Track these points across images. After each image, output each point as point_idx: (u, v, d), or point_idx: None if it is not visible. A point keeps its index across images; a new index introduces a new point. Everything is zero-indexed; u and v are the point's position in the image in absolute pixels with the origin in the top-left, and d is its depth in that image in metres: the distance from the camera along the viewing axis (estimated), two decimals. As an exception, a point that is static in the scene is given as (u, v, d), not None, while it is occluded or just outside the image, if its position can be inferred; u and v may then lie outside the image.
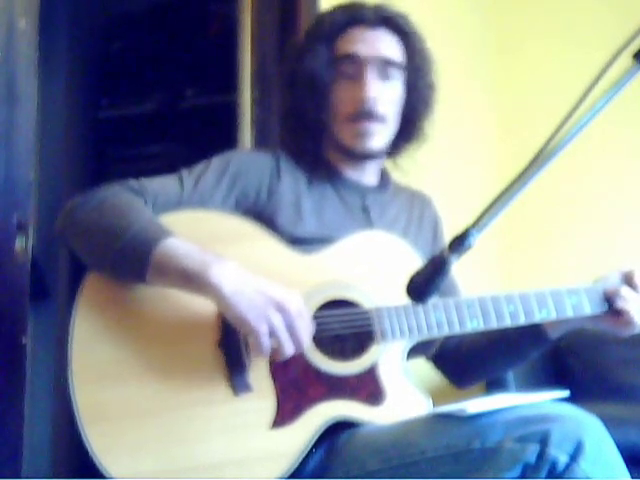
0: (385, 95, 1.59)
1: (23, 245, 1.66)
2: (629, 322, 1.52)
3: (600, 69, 1.05)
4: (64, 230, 1.46)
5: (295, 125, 1.65)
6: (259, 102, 2.45)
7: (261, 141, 2.41)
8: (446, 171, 2.80)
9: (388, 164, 1.72)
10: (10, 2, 1.67)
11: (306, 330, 1.36)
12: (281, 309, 1.33)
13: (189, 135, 3.14)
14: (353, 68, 1.58)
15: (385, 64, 1.59)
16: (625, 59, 1.06)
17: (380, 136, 1.60)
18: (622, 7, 3.12)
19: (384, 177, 1.72)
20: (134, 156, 3.21)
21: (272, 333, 1.33)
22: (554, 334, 1.60)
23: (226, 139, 2.48)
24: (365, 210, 1.63)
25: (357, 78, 1.58)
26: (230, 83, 2.62)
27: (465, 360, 1.70)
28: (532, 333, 1.59)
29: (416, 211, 1.72)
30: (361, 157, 1.63)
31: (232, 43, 2.63)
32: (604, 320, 1.55)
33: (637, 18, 1.13)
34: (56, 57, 3.00)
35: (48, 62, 2.61)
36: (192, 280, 1.34)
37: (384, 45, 1.60)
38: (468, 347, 1.69)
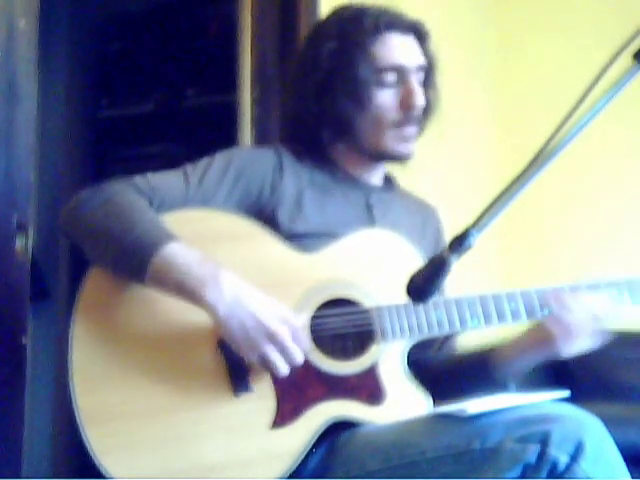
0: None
1: (23, 245, 1.66)
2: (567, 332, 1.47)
3: (600, 69, 1.05)
4: (67, 225, 1.47)
5: (315, 124, 1.63)
6: (259, 102, 2.45)
7: (261, 141, 2.41)
8: (446, 171, 2.80)
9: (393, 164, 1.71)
10: (10, 2, 1.67)
11: (300, 350, 1.37)
12: (274, 340, 1.34)
13: (189, 135, 3.14)
14: (397, 76, 1.59)
15: (421, 71, 1.62)
16: (625, 59, 1.06)
17: (415, 140, 1.63)
18: (622, 7, 3.13)
19: (389, 180, 1.72)
20: (134, 156, 3.21)
21: (263, 361, 1.35)
22: (508, 371, 1.56)
23: (226, 139, 2.48)
24: (368, 208, 1.63)
25: (401, 86, 1.59)
26: (230, 83, 2.62)
27: (434, 384, 1.67)
28: (487, 371, 1.56)
29: (419, 219, 1.71)
30: (401, 161, 1.64)
31: (232, 43, 2.63)
32: (542, 337, 1.50)
33: (637, 18, 1.13)
34: (56, 57, 3.00)
35: (48, 62, 2.61)
36: (188, 295, 1.35)
37: (418, 52, 1.62)
38: (436, 373, 1.64)
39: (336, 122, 1.61)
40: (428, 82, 1.65)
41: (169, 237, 1.37)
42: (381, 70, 1.59)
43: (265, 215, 1.52)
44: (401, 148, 1.61)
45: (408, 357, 1.55)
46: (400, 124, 1.59)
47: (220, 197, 1.52)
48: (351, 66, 1.59)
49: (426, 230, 1.71)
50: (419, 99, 1.59)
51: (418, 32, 1.63)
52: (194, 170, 1.54)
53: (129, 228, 1.37)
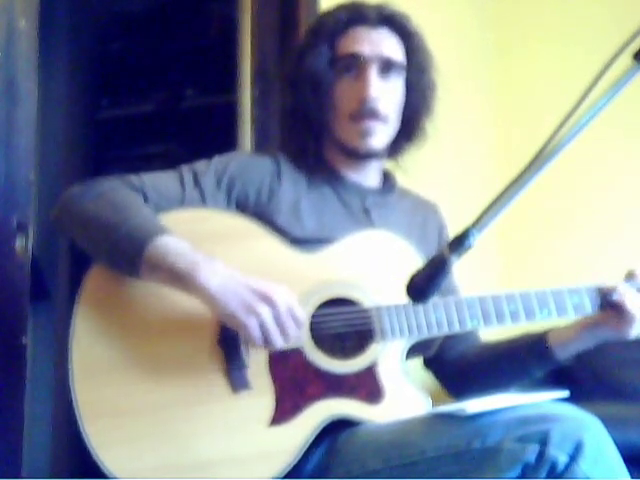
0: (386, 94, 1.59)
1: (23, 245, 1.66)
2: (625, 317, 1.48)
3: (600, 69, 1.05)
4: (60, 219, 1.48)
5: (296, 125, 1.65)
6: (259, 102, 2.45)
7: (261, 141, 2.41)
8: (446, 171, 2.80)
9: (390, 164, 1.72)
10: (10, 2, 1.66)
11: (294, 322, 1.36)
12: (268, 301, 1.34)
13: (189, 135, 3.14)
14: (355, 67, 1.59)
15: (387, 64, 1.59)
16: (625, 59, 1.06)
17: (381, 135, 1.60)
18: (622, 8, 3.12)
19: (388, 180, 1.71)
20: (134, 156, 3.22)
21: (261, 325, 1.34)
22: (562, 355, 1.56)
23: (226, 139, 2.48)
24: (366, 212, 1.63)
25: (359, 77, 1.58)
26: (230, 83, 2.62)
27: (467, 373, 1.68)
28: (539, 352, 1.57)
29: (419, 218, 1.71)
30: (362, 157, 1.63)
31: (232, 43, 2.63)
32: (603, 321, 1.52)
33: (636, 18, 1.13)
34: (56, 57, 3.00)
35: (48, 62, 2.60)
36: (181, 280, 1.35)
37: (386, 45, 1.60)
38: (471, 360, 1.68)
39: (305, 116, 1.61)
40: (412, 83, 1.63)
41: (161, 230, 1.38)
42: (338, 59, 1.59)
43: (263, 221, 1.52)
44: (361, 143, 1.59)
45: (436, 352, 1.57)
46: (357, 117, 1.58)
47: (218, 202, 1.52)
48: (313, 57, 1.59)
49: (427, 229, 1.71)
50: (371, 90, 1.56)
51: (396, 27, 1.61)
52: (190, 173, 1.54)
53: (122, 221, 1.37)
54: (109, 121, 3.25)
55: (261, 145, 2.37)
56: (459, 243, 1.17)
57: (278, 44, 2.46)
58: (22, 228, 1.66)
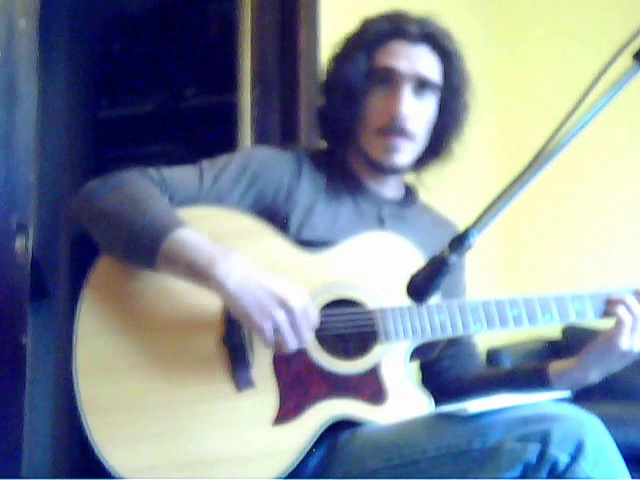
0: (418, 113, 1.57)
1: (23, 245, 1.66)
2: (620, 333, 1.47)
3: (600, 69, 1.05)
4: (79, 211, 1.47)
5: (325, 129, 1.65)
6: (259, 102, 2.45)
7: (261, 141, 2.41)
8: (445, 171, 2.80)
9: (410, 178, 1.70)
10: (10, 2, 1.66)
11: (309, 326, 1.37)
12: (285, 306, 1.34)
13: (189, 135, 3.14)
14: (389, 82, 1.57)
15: (422, 82, 1.57)
16: (625, 59, 1.06)
17: (407, 153, 1.59)
18: (622, 8, 3.13)
19: (409, 194, 1.70)
20: (134, 156, 3.21)
21: (276, 329, 1.34)
22: (561, 385, 1.55)
23: (226, 139, 2.48)
24: (380, 220, 1.62)
25: (392, 92, 1.56)
26: (230, 83, 2.63)
27: (461, 396, 1.68)
28: (538, 382, 1.56)
29: (436, 235, 1.67)
30: (385, 171, 1.62)
31: (232, 43, 2.63)
32: (605, 337, 1.49)
33: (637, 18, 1.13)
34: (56, 57, 3.00)
35: (48, 62, 2.61)
36: (199, 274, 1.34)
37: (423, 63, 1.57)
38: (468, 385, 1.66)
39: (334, 122, 1.61)
40: (445, 103, 1.60)
41: (180, 223, 1.38)
42: (374, 70, 1.57)
43: (278, 220, 1.52)
44: (387, 158, 1.58)
45: (433, 371, 1.57)
46: (385, 132, 1.56)
47: (234, 197, 1.52)
48: (349, 65, 1.58)
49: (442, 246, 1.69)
50: (403, 108, 1.55)
51: (436, 46, 1.59)
52: (210, 168, 1.53)
53: (141, 213, 1.37)
54: (109, 121, 3.25)
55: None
56: (459, 243, 1.17)
57: (278, 44, 2.46)
58: (22, 228, 1.66)
